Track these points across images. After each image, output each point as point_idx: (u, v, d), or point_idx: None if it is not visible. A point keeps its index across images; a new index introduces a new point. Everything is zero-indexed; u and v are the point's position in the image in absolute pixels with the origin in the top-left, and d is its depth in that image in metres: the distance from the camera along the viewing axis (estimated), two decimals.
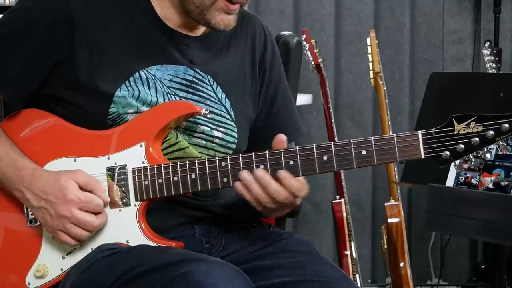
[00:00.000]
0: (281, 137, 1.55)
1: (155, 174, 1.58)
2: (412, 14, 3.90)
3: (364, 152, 1.51)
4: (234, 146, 1.71)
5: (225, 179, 1.55)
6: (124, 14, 1.66)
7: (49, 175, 1.59)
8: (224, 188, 1.58)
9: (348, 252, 3.05)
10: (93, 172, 1.60)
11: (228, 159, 1.55)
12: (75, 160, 1.62)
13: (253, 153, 1.55)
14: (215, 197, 1.71)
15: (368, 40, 3.14)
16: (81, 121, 1.63)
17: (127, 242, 1.59)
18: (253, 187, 1.53)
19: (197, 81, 1.69)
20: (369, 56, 3.13)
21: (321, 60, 3.08)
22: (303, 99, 3.26)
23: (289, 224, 3.67)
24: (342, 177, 3.09)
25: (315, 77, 3.21)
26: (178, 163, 1.57)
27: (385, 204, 3.12)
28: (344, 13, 3.85)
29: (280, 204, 1.55)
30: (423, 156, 1.50)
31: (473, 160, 2.20)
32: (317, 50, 3.08)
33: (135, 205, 1.59)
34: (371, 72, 3.14)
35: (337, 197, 3.11)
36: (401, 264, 3.05)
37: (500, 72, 3.06)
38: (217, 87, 1.71)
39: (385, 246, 3.13)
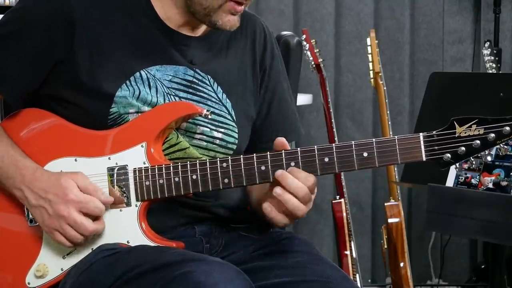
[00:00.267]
0: (282, 141, 1.55)
1: (156, 174, 1.58)
2: (412, 14, 3.90)
3: (365, 154, 1.51)
4: (234, 146, 1.71)
5: (226, 180, 1.55)
6: (124, 13, 1.66)
7: (50, 175, 1.59)
8: (225, 189, 1.58)
9: (348, 252, 3.05)
10: (94, 172, 1.60)
11: (229, 159, 1.55)
12: (75, 160, 1.62)
13: (254, 154, 1.55)
14: (216, 197, 1.71)
15: (368, 40, 3.14)
16: (81, 121, 1.63)
17: (128, 242, 1.59)
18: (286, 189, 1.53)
19: (197, 81, 1.69)
20: (369, 56, 3.13)
21: (321, 60, 3.08)
22: (303, 99, 3.26)
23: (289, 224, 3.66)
24: (342, 177, 3.09)
25: (315, 77, 3.21)
26: (179, 163, 1.57)
27: (385, 204, 3.12)
28: (344, 13, 3.85)
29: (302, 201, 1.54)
30: (424, 159, 1.50)
31: (473, 160, 2.20)
32: (317, 50, 3.08)
33: (136, 206, 1.59)
34: (371, 72, 3.14)
35: (337, 197, 3.11)
36: (401, 264, 3.06)
37: (500, 72, 3.06)
38: (217, 87, 1.71)
39: (385, 246, 3.13)
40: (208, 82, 1.70)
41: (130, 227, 1.59)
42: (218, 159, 1.56)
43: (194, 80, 1.69)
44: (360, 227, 3.81)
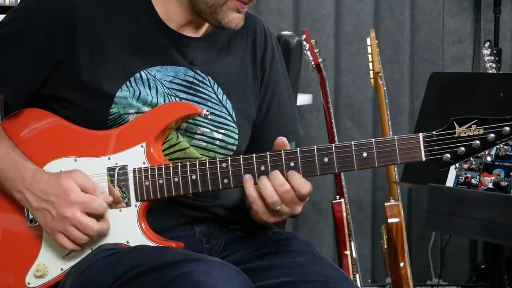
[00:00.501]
0: (282, 141, 1.55)
1: (156, 174, 1.58)
2: (412, 14, 3.90)
3: (365, 154, 1.51)
4: (234, 147, 1.71)
5: (225, 180, 1.55)
6: (125, 13, 1.66)
7: (50, 177, 1.59)
8: (224, 189, 1.58)
9: (348, 252, 3.05)
10: (94, 172, 1.60)
11: (229, 160, 1.55)
12: (75, 160, 1.62)
13: (254, 154, 1.55)
14: (216, 197, 1.71)
15: (368, 40, 3.14)
16: (82, 121, 1.63)
17: (127, 242, 1.59)
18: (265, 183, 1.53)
19: (197, 82, 1.69)
20: (369, 56, 3.13)
21: (321, 60, 3.08)
22: (303, 99, 3.26)
23: (289, 224, 3.67)
24: (342, 177, 3.09)
25: (315, 77, 3.21)
26: (179, 164, 1.57)
27: (385, 204, 3.12)
28: (344, 13, 3.85)
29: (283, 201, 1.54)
30: (424, 159, 1.49)
31: (473, 160, 2.20)
32: (317, 50, 3.08)
33: (136, 206, 1.59)
34: (371, 72, 3.14)
35: (337, 197, 3.11)
36: (401, 264, 3.05)
37: (500, 72, 3.06)
38: (217, 88, 1.71)
39: (385, 246, 3.13)
40: (208, 83, 1.70)
41: (130, 227, 1.59)
42: (217, 159, 1.56)
43: (195, 81, 1.69)
44: (360, 227, 3.81)
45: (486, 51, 2.97)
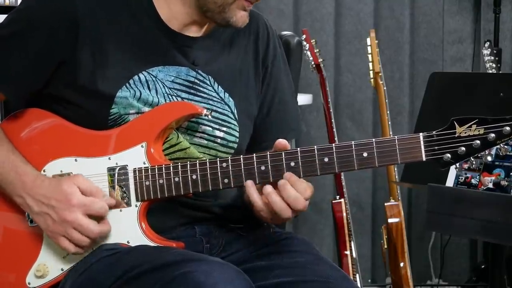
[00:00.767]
0: (283, 143, 1.55)
1: (156, 174, 1.58)
2: (412, 14, 3.90)
3: (365, 154, 1.51)
4: (235, 145, 1.71)
5: (226, 180, 1.55)
6: (128, 14, 1.66)
7: (51, 181, 1.59)
8: (224, 189, 1.58)
9: (348, 252, 3.05)
10: (94, 172, 1.60)
11: (229, 160, 1.55)
12: (76, 160, 1.62)
13: (254, 154, 1.55)
14: (216, 197, 1.71)
15: (368, 40, 3.14)
16: (82, 121, 1.63)
17: (128, 242, 1.59)
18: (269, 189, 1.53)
19: (198, 82, 1.69)
20: (369, 56, 3.13)
21: (321, 60, 3.08)
22: (303, 99, 3.26)
23: (289, 224, 3.67)
24: (342, 177, 3.09)
25: (315, 77, 3.21)
26: (179, 163, 1.57)
27: (385, 204, 3.12)
28: (344, 13, 3.85)
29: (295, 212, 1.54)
30: (424, 159, 1.49)
31: (473, 160, 2.20)
32: (317, 50, 3.08)
33: (136, 206, 1.59)
34: (371, 72, 3.13)
35: (337, 197, 3.11)
36: (401, 264, 3.05)
37: (500, 72, 3.06)
38: (218, 87, 1.71)
39: (385, 246, 3.13)
40: (209, 82, 1.70)
41: (130, 227, 1.59)
42: (218, 159, 1.56)
43: (196, 81, 1.69)
44: (360, 227, 3.81)
45: (486, 51, 2.97)
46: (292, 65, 2.15)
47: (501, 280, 2.70)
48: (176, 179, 1.57)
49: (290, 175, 1.52)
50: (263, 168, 1.54)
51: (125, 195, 1.59)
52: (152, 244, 1.58)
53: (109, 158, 1.61)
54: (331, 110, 3.09)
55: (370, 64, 3.13)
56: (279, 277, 1.59)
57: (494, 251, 2.71)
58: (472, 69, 3.91)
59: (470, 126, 1.47)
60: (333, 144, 1.52)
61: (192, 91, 1.68)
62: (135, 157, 1.59)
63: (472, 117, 1.47)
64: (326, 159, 1.52)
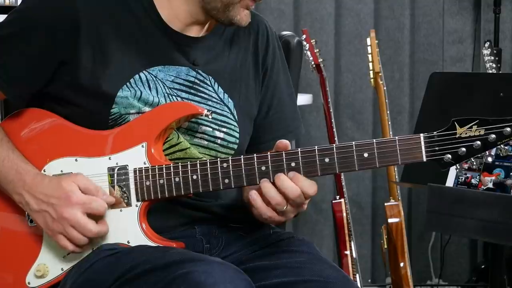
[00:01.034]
0: (284, 144, 1.55)
1: (156, 174, 1.58)
2: (412, 14, 3.90)
3: (366, 155, 1.51)
4: (236, 146, 1.71)
5: (226, 180, 1.55)
6: (128, 14, 1.65)
7: (51, 179, 1.59)
8: (225, 189, 1.58)
9: (348, 252, 3.05)
10: (94, 172, 1.60)
11: (230, 160, 1.55)
12: (76, 160, 1.62)
13: (255, 154, 1.55)
14: (216, 197, 1.71)
15: (368, 40, 3.14)
16: (82, 121, 1.63)
17: (128, 242, 1.59)
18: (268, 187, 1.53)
19: (198, 82, 1.69)
20: (369, 56, 3.13)
21: (321, 60, 3.08)
22: (303, 99, 3.26)
23: (289, 224, 3.67)
24: (342, 177, 3.09)
25: (315, 77, 3.21)
26: (180, 163, 1.57)
27: (385, 204, 3.12)
28: (344, 13, 3.85)
29: (291, 203, 1.54)
30: (425, 159, 1.49)
31: (473, 160, 2.20)
32: (317, 50, 3.08)
33: (136, 206, 1.59)
34: (371, 72, 3.14)
35: (337, 197, 3.11)
36: (401, 264, 3.05)
37: (500, 72, 3.06)
38: (218, 87, 1.71)
39: (385, 246, 3.13)
40: (209, 83, 1.70)
41: (131, 227, 1.59)
42: (218, 159, 1.56)
43: (196, 81, 1.69)
44: (360, 227, 3.81)
45: (486, 51, 2.97)
46: (292, 65, 2.15)
47: (501, 280, 2.70)
48: (177, 179, 1.57)
49: (293, 173, 1.52)
50: (263, 168, 1.54)
51: (125, 195, 1.59)
52: (152, 244, 1.58)
53: (110, 158, 1.60)
54: (331, 110, 3.09)
55: (370, 64, 3.13)
56: (279, 277, 1.59)
57: (494, 251, 2.71)
58: (472, 69, 3.91)
59: (471, 127, 1.47)
60: (334, 145, 1.52)
61: (192, 91, 1.68)
62: (135, 157, 1.59)
63: (472, 117, 1.47)
64: (326, 160, 1.52)
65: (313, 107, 3.70)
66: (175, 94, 1.66)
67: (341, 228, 3.07)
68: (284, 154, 1.53)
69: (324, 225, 3.83)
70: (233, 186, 1.56)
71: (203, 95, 1.69)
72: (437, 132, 1.49)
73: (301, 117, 1.89)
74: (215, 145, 1.69)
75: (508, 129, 1.45)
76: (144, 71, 1.64)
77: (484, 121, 1.47)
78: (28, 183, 1.59)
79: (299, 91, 2.48)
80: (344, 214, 3.06)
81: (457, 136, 1.48)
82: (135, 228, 1.59)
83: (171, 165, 1.57)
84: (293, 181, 1.51)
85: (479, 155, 1.48)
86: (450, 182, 2.27)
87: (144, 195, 1.59)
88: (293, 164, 1.53)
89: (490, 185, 2.19)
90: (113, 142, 1.61)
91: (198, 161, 1.57)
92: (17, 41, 1.63)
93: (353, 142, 1.51)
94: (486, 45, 2.99)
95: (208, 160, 1.57)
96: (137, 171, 1.59)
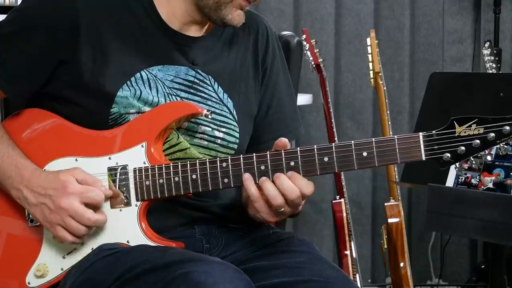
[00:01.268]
0: (284, 142, 1.55)
1: (156, 174, 1.58)
2: (412, 14, 3.90)
3: (365, 154, 1.51)
4: (236, 146, 1.71)
5: (226, 180, 1.55)
6: (128, 14, 1.66)
7: (48, 173, 1.60)
8: (224, 189, 1.58)
9: (348, 252, 3.04)
10: (94, 172, 1.60)
11: (229, 159, 1.55)
12: (76, 160, 1.62)
13: (254, 154, 1.55)
14: (216, 197, 1.71)
15: (368, 40, 3.14)
16: (82, 121, 1.63)
17: (128, 242, 1.59)
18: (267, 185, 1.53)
19: (198, 81, 1.69)
20: (369, 56, 3.13)
21: (321, 60, 3.07)
22: (303, 99, 3.26)
23: (289, 224, 3.67)
24: (342, 177, 3.09)
25: (315, 77, 3.21)
26: (179, 163, 1.57)
27: (385, 204, 3.12)
28: (344, 13, 3.85)
29: (290, 203, 1.54)
30: (424, 158, 1.49)
31: (473, 160, 2.20)
32: (317, 50, 3.08)
33: (136, 205, 1.59)
34: (371, 72, 3.13)
35: (337, 197, 3.11)
36: (401, 264, 3.05)
37: (500, 72, 3.06)
38: (218, 87, 1.71)
39: (385, 246, 3.13)
40: (208, 83, 1.70)
41: (130, 227, 1.59)
42: (218, 159, 1.56)
43: (195, 80, 1.69)
44: (360, 227, 3.81)
45: (486, 51, 2.97)
46: (292, 65, 2.15)
47: (501, 280, 2.70)
48: (176, 178, 1.57)
49: (291, 173, 1.52)
50: (263, 167, 1.54)
51: (125, 194, 1.59)
52: (152, 244, 1.58)
53: (110, 158, 1.61)
54: (331, 110, 3.09)
55: (370, 64, 3.13)
56: (279, 277, 1.59)
57: (494, 251, 2.71)
58: (472, 69, 3.91)
59: (470, 126, 1.47)
60: (333, 144, 1.51)
61: (191, 90, 1.68)
62: (135, 157, 1.59)
63: (471, 116, 1.47)
64: (326, 159, 1.52)
65: (313, 107, 3.70)
66: (174, 94, 1.66)
67: (341, 228, 3.07)
68: (283, 153, 1.53)
69: (324, 225, 3.83)
70: (232, 186, 1.56)
71: (202, 94, 1.69)
72: (436, 131, 1.49)
73: (301, 117, 1.89)
74: (215, 145, 1.69)
75: (507, 127, 1.45)
76: (144, 70, 1.64)
77: (483, 120, 1.47)
78: (26, 177, 1.59)
79: (299, 91, 2.48)
80: (344, 214, 3.06)
81: (456, 135, 1.48)
82: (134, 228, 1.59)
83: (171, 164, 1.58)
84: (291, 180, 1.51)
85: (479, 154, 1.48)
86: (450, 182, 2.27)
87: (143, 194, 1.59)
88: (292, 163, 1.53)
89: (490, 185, 2.19)
90: (113, 142, 1.61)
91: (197, 161, 1.57)
92: (17, 40, 1.63)
93: (352, 141, 1.51)
94: (486, 45, 2.99)
95: (207, 160, 1.57)
96: (137, 170, 1.59)
